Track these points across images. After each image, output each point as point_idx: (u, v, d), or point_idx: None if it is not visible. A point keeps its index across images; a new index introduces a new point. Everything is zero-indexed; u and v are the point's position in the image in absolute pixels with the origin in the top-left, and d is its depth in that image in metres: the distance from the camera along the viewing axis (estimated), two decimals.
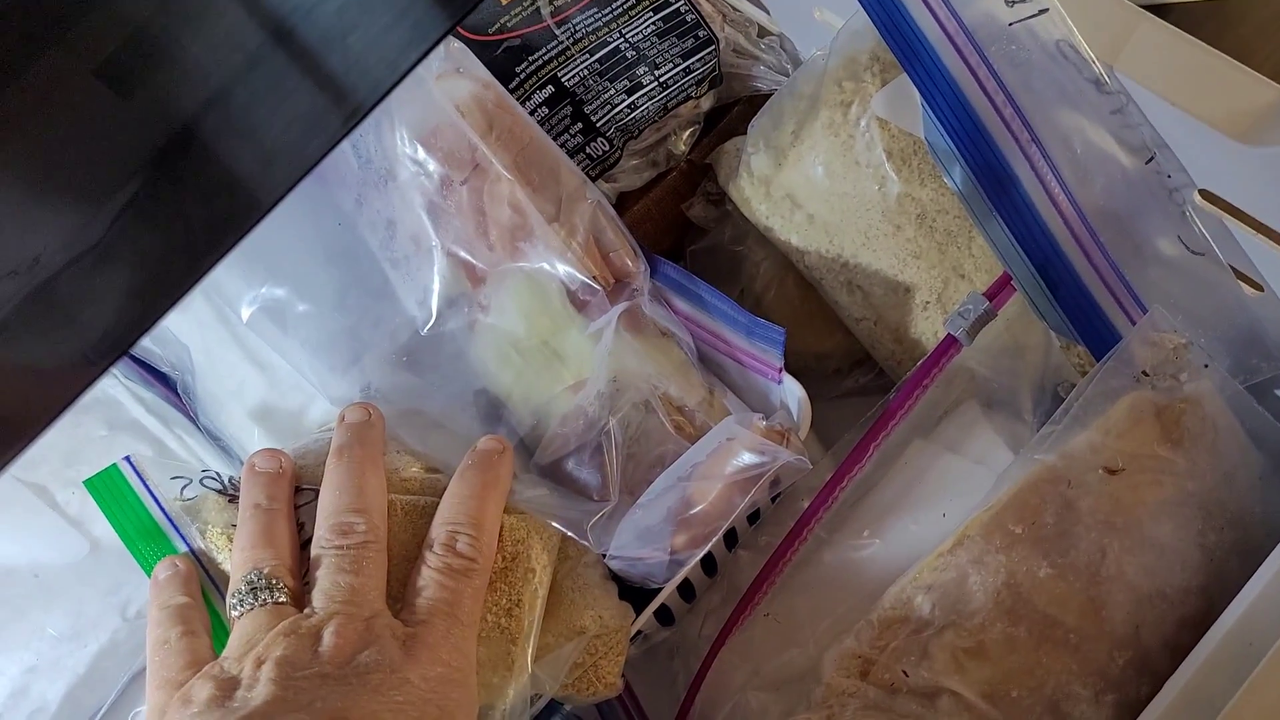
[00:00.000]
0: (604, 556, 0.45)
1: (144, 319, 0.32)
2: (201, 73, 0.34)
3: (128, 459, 0.42)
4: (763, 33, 0.60)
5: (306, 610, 0.40)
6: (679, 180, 0.59)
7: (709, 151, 0.59)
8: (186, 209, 0.33)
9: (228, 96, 0.34)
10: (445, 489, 0.44)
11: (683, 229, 0.61)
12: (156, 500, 0.41)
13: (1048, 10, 0.45)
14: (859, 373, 0.60)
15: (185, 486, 0.43)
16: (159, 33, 0.36)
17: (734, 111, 0.60)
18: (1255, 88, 0.43)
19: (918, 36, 0.47)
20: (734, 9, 0.60)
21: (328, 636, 0.38)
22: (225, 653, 0.39)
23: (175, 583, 0.43)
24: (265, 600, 0.40)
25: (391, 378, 0.50)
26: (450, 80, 0.50)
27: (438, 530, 0.42)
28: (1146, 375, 0.43)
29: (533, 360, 0.49)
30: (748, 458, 0.45)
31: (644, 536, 0.44)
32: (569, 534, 0.44)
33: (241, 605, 0.40)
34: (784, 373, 0.50)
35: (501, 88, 0.50)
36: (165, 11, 0.36)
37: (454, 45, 0.50)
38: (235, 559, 0.42)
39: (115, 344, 0.31)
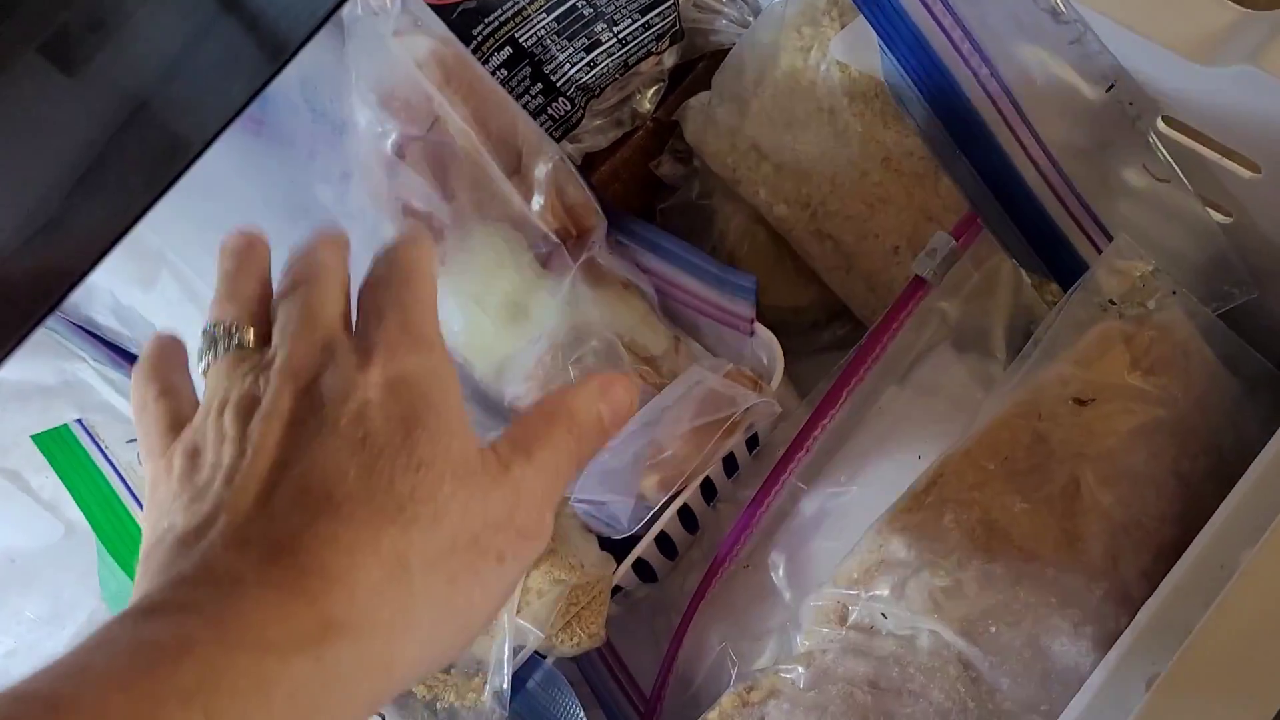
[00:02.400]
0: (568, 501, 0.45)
1: (70, 279, 0.31)
2: (136, 27, 0.33)
3: (79, 421, 0.41)
4: None
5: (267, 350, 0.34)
6: (646, 139, 0.58)
7: (675, 108, 0.58)
8: (127, 167, 0.33)
9: (164, 54, 0.33)
10: None
11: (653, 188, 0.61)
12: (112, 463, 0.41)
13: None
14: (836, 325, 0.60)
15: None
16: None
17: (699, 67, 0.59)
18: (1212, 8, 0.42)
19: None
20: None
21: (278, 364, 0.33)
22: (197, 413, 0.34)
23: (154, 348, 0.38)
24: (227, 346, 0.35)
25: None
26: (409, 37, 0.49)
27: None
28: (1113, 304, 0.43)
29: (495, 315, 0.49)
30: (715, 402, 0.45)
31: (607, 481, 0.44)
32: None
33: (201, 361, 0.35)
34: (755, 323, 0.49)
35: (459, 43, 0.50)
36: None
37: (412, 2, 0.50)
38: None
39: (40, 302, 0.31)
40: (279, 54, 0.32)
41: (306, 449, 0.31)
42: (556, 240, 0.48)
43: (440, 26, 0.49)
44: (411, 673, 0.31)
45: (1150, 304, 0.43)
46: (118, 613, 0.28)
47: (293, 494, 0.30)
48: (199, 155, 0.32)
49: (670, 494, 0.47)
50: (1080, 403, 0.42)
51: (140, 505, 0.41)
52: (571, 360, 0.49)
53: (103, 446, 0.42)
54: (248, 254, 0.38)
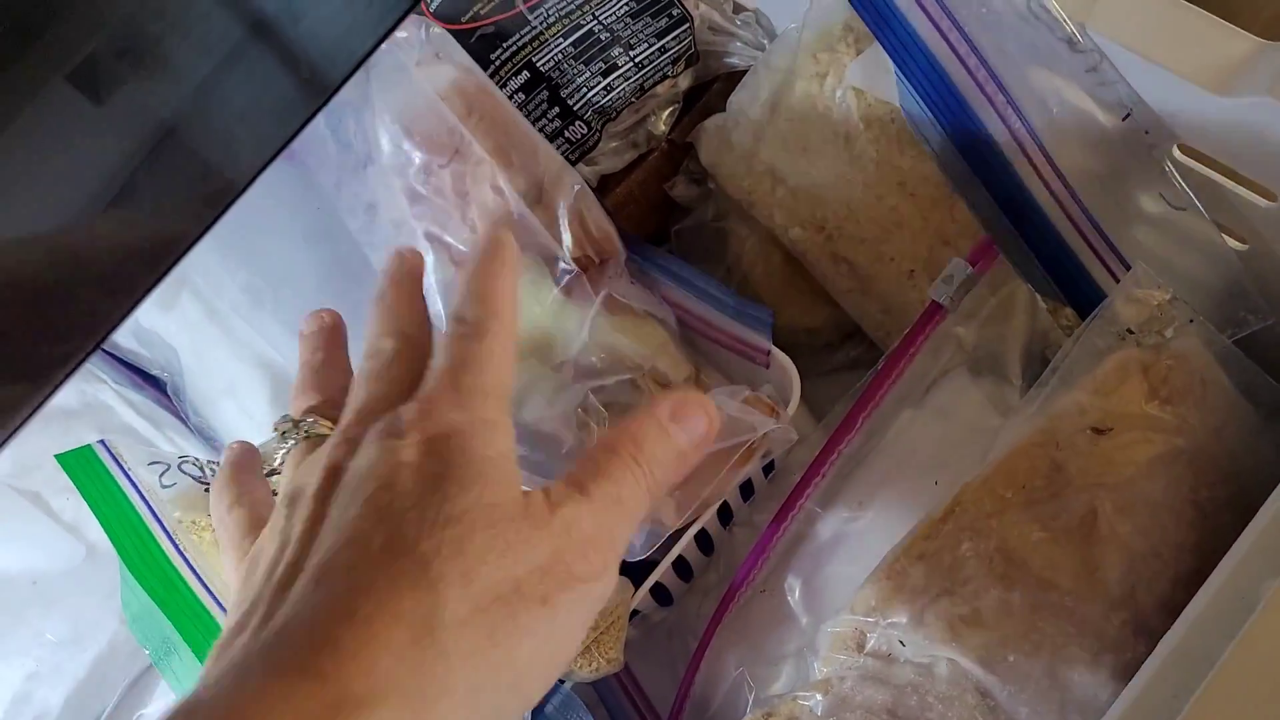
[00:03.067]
0: None
1: (119, 310, 0.32)
2: (176, 67, 0.34)
3: (102, 442, 0.42)
4: (738, 9, 0.60)
5: None
6: (661, 161, 0.59)
7: (690, 130, 0.58)
8: (162, 201, 0.33)
9: (201, 86, 0.34)
10: None
11: (667, 209, 0.61)
12: (134, 484, 0.41)
13: None
14: (850, 346, 0.60)
15: (163, 473, 0.43)
16: (132, 31, 0.36)
17: (713, 89, 0.60)
18: (1228, 39, 0.42)
19: (888, 4, 0.46)
20: None
21: (323, 449, 0.32)
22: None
23: (230, 458, 0.38)
24: (297, 439, 0.35)
25: None
26: (431, 66, 0.50)
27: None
28: (1131, 333, 0.43)
29: (520, 343, 0.49)
30: (733, 428, 0.45)
31: None
32: None
33: (278, 457, 0.36)
34: (771, 354, 0.50)
35: (482, 73, 0.50)
36: (139, 9, 0.36)
37: (434, 31, 0.50)
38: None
39: (89, 334, 0.31)
40: (318, 92, 0.32)
41: (333, 529, 0.30)
42: (577, 269, 0.48)
43: (462, 55, 0.49)
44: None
45: (1168, 333, 0.43)
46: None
47: (313, 576, 0.29)
48: (242, 192, 0.32)
49: (687, 519, 0.47)
50: (1098, 432, 0.42)
51: (165, 531, 0.42)
52: (593, 388, 0.49)
53: (126, 468, 0.42)
54: (326, 340, 0.39)
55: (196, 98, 0.33)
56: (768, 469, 0.52)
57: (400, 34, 0.48)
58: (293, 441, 0.35)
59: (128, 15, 0.34)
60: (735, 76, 0.58)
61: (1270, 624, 0.35)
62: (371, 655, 0.27)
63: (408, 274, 0.38)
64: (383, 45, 0.47)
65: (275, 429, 0.36)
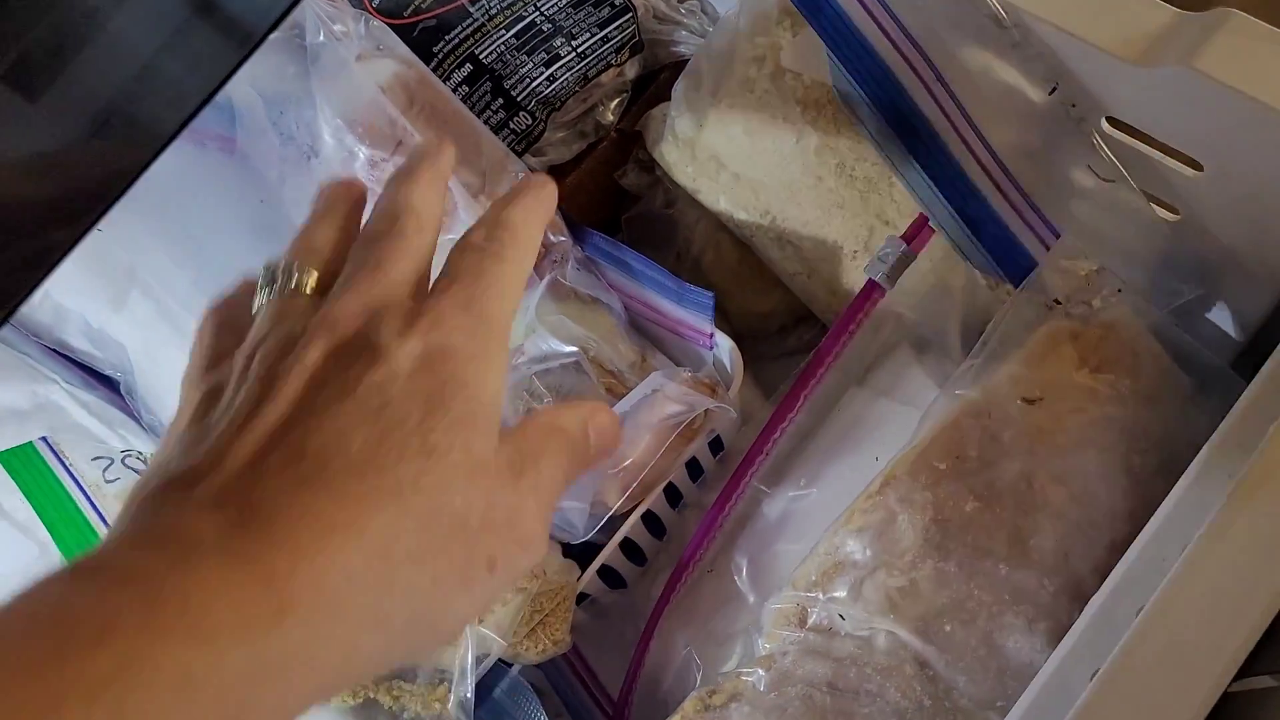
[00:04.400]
0: None
1: (35, 278, 0.31)
2: (107, 54, 0.34)
3: (44, 438, 0.42)
4: None
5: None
6: (610, 149, 0.59)
7: (638, 119, 0.59)
8: (91, 157, 0.33)
9: (120, 36, 0.33)
10: None
11: (618, 198, 0.61)
12: (76, 480, 0.42)
13: None
14: (803, 329, 0.60)
15: (107, 468, 0.43)
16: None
17: (661, 77, 0.60)
18: (1147, 10, 0.42)
19: None
20: None
21: (320, 315, 0.30)
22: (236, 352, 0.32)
23: (237, 285, 0.35)
24: (283, 288, 0.32)
25: None
26: (372, 60, 0.50)
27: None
28: (1059, 303, 0.44)
29: None
30: (672, 407, 0.45)
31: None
32: None
33: (256, 299, 0.33)
34: (715, 335, 0.50)
35: (423, 65, 0.50)
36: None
37: (374, 25, 0.50)
38: None
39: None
40: (242, 47, 0.32)
41: (317, 411, 0.28)
42: None
43: (403, 49, 0.50)
44: (371, 668, 0.28)
45: (1095, 302, 0.44)
46: (67, 561, 0.26)
47: (288, 456, 0.27)
48: (165, 145, 0.32)
49: (630, 501, 0.47)
50: (1029, 402, 0.43)
51: (106, 526, 0.42)
52: (536, 373, 0.49)
53: (67, 463, 0.43)
54: (339, 197, 0.36)
55: (114, 48, 0.33)
56: (716, 449, 0.52)
57: (339, 28, 0.48)
58: (277, 291, 0.33)
59: None
60: (682, 65, 0.59)
61: (1183, 586, 0.35)
62: (324, 566, 0.26)
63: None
64: (322, 39, 0.47)
65: (263, 271, 0.33)
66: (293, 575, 0.25)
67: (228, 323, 0.34)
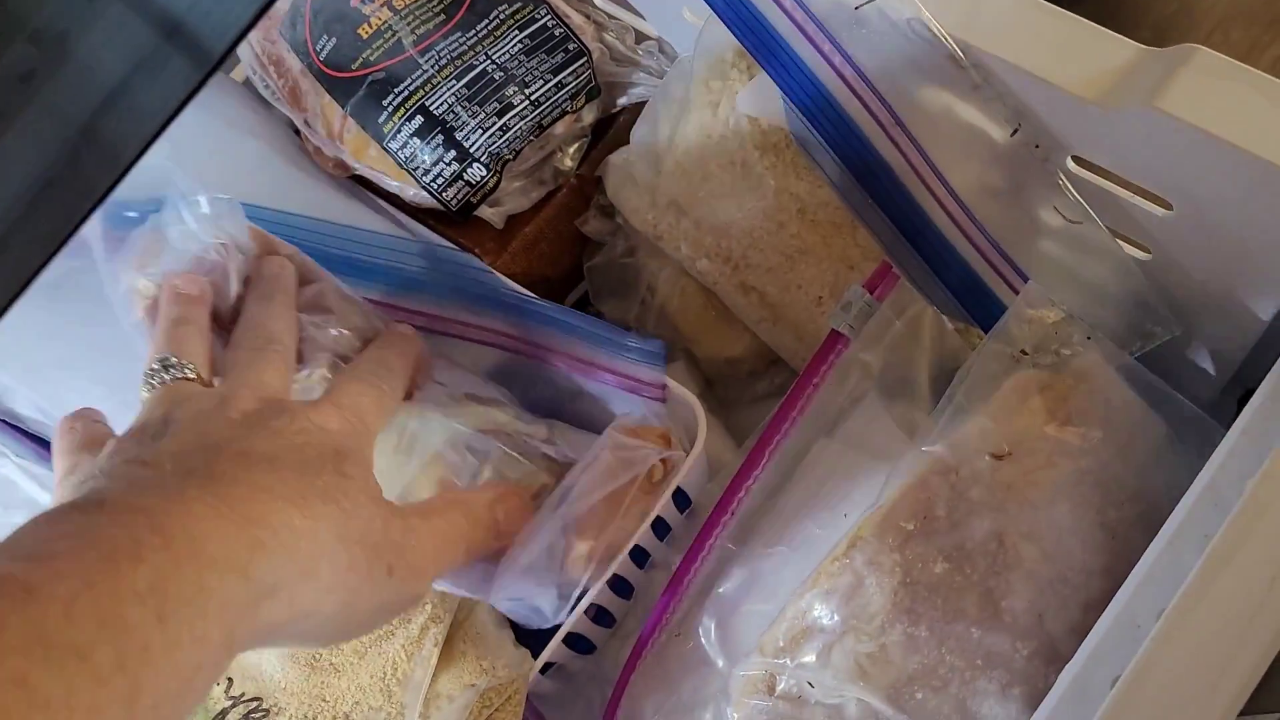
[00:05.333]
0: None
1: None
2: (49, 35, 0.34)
3: None
4: (640, 38, 0.59)
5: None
6: (570, 196, 0.58)
7: (598, 164, 0.58)
8: (63, 183, 0.34)
9: (78, 56, 0.34)
10: None
11: (580, 245, 0.60)
12: None
13: None
14: (775, 373, 0.59)
15: None
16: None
17: (620, 121, 0.59)
18: (1108, 48, 0.41)
19: (768, 31, 0.46)
20: (610, 16, 0.59)
21: (230, 399, 0.38)
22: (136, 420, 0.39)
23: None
24: (175, 376, 0.40)
25: None
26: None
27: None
28: (1026, 354, 0.42)
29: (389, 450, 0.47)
30: (621, 467, 0.44)
31: (527, 573, 0.43)
32: (455, 591, 0.43)
33: (148, 385, 0.40)
34: (667, 388, 0.48)
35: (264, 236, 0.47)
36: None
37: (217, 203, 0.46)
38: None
39: None
40: (207, 59, 0.34)
41: (254, 436, 0.36)
42: None
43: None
44: (303, 621, 0.34)
45: (1065, 351, 0.42)
46: (63, 500, 0.32)
47: (238, 451, 0.35)
48: (128, 170, 0.33)
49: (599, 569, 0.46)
50: (998, 457, 0.41)
51: None
52: (472, 476, 0.47)
53: None
54: (195, 307, 0.43)
55: (73, 68, 0.34)
56: (684, 505, 0.50)
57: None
58: (171, 372, 0.40)
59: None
60: (642, 106, 0.57)
61: (1160, 653, 0.34)
62: (278, 523, 0.33)
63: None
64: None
65: (152, 365, 0.40)
66: (260, 523, 0.33)
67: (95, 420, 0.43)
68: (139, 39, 0.34)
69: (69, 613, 0.27)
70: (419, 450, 0.46)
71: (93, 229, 0.46)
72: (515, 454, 0.46)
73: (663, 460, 0.47)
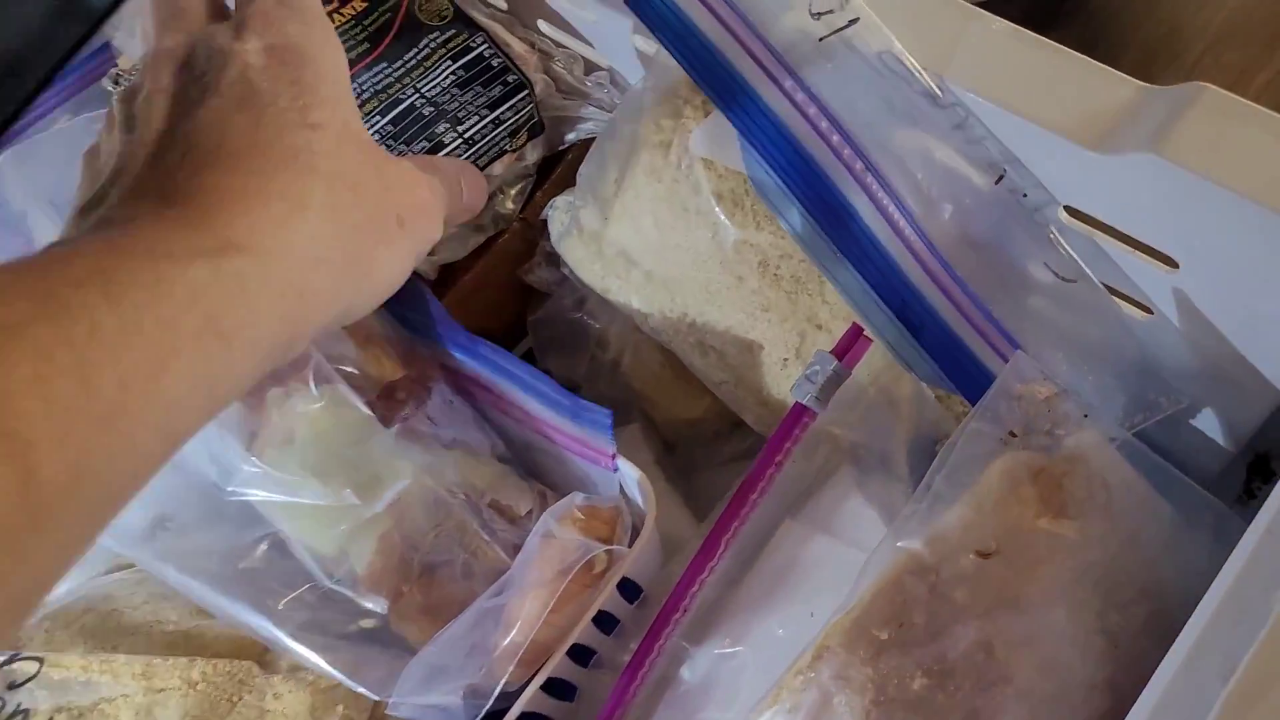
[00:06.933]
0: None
1: None
2: None
3: None
4: (590, 68, 0.54)
5: None
6: (513, 242, 0.52)
7: (544, 207, 0.52)
8: None
9: None
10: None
11: (525, 296, 0.55)
12: None
13: (859, 20, 0.38)
14: (741, 434, 0.54)
15: None
16: None
17: (568, 158, 0.54)
18: (1105, 85, 0.36)
19: (722, 66, 0.40)
20: (557, 45, 0.54)
21: (150, 52, 0.34)
22: None
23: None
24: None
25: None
26: None
27: None
28: (1015, 436, 0.37)
29: (331, 486, 0.42)
30: (560, 555, 0.39)
31: (435, 677, 0.38)
32: (353, 685, 0.38)
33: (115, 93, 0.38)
34: (617, 458, 0.43)
35: None
36: None
37: None
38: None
39: None
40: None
41: (190, 114, 0.32)
42: (383, 398, 0.42)
43: None
44: (325, 305, 0.32)
45: (1059, 432, 0.37)
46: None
47: (181, 150, 0.31)
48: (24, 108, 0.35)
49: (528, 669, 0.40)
50: (984, 555, 0.36)
51: None
52: (433, 527, 0.43)
53: None
54: None
55: None
56: (635, 595, 0.45)
57: None
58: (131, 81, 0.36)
59: None
60: (591, 143, 0.52)
61: None
62: (253, 218, 0.30)
63: None
64: None
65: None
66: (229, 227, 0.30)
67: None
68: None
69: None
70: (375, 498, 0.41)
71: None
72: (480, 533, 0.41)
73: (606, 550, 0.42)
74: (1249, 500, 0.47)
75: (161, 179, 0.31)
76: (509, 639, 0.39)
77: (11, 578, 0.24)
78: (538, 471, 0.48)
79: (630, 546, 0.42)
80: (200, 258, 0.28)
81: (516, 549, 0.42)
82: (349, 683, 0.40)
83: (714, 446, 0.54)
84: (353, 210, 0.32)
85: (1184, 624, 0.34)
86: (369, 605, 0.44)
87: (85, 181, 0.35)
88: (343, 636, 0.42)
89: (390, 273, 0.35)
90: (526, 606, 0.39)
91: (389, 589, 0.42)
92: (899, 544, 0.37)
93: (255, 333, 0.29)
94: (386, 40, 0.48)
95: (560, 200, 0.50)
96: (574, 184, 0.51)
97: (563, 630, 0.41)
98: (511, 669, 0.40)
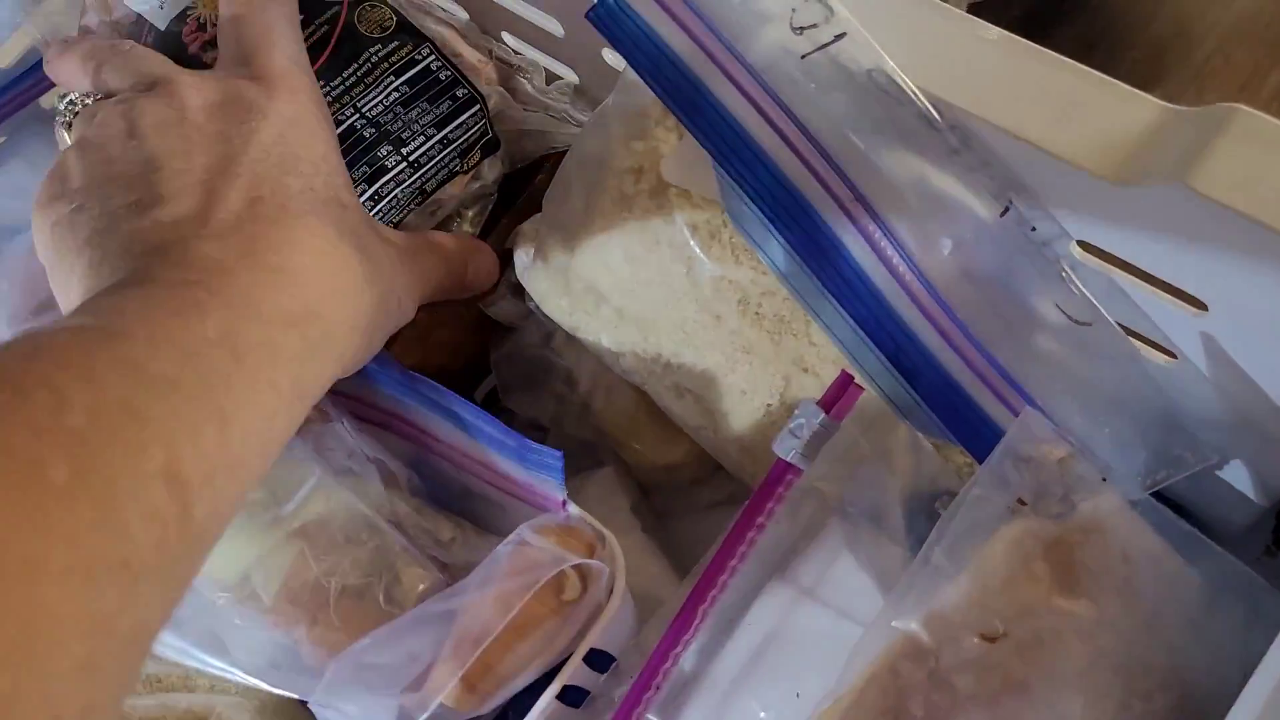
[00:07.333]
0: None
1: None
2: None
3: None
4: (552, 78, 0.50)
5: None
6: None
7: (509, 232, 0.48)
8: None
9: None
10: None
11: (488, 330, 0.50)
12: None
13: (846, 35, 0.34)
14: (721, 480, 0.50)
15: None
16: None
17: (538, 180, 0.49)
18: (1127, 107, 0.32)
19: (694, 85, 0.36)
20: (515, 52, 0.50)
21: (178, 82, 0.37)
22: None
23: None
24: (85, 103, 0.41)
25: None
26: None
27: None
28: (1024, 503, 0.33)
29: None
30: (522, 564, 0.35)
31: (365, 675, 0.34)
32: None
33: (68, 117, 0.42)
34: (568, 505, 0.39)
35: None
36: None
37: None
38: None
39: None
40: None
41: (240, 159, 0.35)
42: None
43: None
44: (347, 370, 0.36)
45: (1074, 497, 0.33)
46: (101, 287, 0.32)
47: (246, 200, 0.34)
48: None
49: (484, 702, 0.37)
50: (989, 639, 0.32)
51: None
52: (350, 545, 0.39)
53: None
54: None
55: None
56: (606, 664, 0.41)
57: None
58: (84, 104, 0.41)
59: None
60: (560, 158, 0.48)
61: None
62: (314, 278, 0.34)
63: None
64: None
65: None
66: (301, 290, 0.33)
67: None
68: None
69: (152, 347, 0.28)
70: (293, 514, 0.37)
71: None
72: (408, 550, 0.37)
73: (579, 571, 0.38)
74: (1277, 552, 0.43)
75: (237, 227, 0.33)
76: (457, 642, 0.35)
77: (169, 606, 0.26)
78: (477, 522, 0.44)
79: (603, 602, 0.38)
80: (292, 326, 0.32)
81: (448, 569, 0.39)
82: (265, 686, 0.37)
83: (693, 493, 0.51)
84: (357, 234, 0.36)
85: (1215, 715, 0.30)
86: (279, 638, 0.40)
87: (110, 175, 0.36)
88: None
89: (382, 282, 0.37)
90: (484, 609, 0.35)
91: (303, 618, 0.38)
92: (894, 624, 0.33)
93: (318, 392, 0.33)
94: (324, 56, 0.44)
95: (526, 227, 0.46)
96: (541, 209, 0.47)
97: (523, 659, 0.37)
98: (453, 684, 0.36)
